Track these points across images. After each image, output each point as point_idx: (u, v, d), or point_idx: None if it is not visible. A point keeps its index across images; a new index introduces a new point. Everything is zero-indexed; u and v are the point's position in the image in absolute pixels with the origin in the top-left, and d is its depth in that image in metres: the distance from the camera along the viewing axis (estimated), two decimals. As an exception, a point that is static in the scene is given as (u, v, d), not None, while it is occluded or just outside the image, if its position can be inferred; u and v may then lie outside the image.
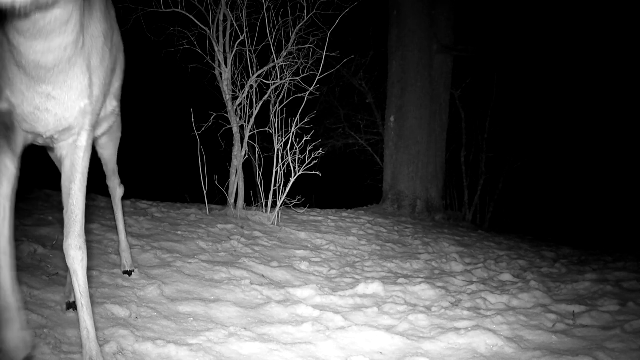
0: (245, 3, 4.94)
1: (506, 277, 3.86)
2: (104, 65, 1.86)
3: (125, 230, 2.80)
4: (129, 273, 2.80)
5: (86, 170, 1.79)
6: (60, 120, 1.67)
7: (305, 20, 4.96)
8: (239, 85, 5.09)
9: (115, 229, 3.63)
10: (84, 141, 1.77)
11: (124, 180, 2.72)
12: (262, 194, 5.11)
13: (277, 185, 4.89)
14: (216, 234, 4.07)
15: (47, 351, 1.85)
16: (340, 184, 10.28)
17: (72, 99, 1.67)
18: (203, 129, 4.91)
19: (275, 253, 3.91)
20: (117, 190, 2.69)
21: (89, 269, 2.13)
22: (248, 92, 4.98)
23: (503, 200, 9.87)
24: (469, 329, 2.49)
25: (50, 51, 1.52)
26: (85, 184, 1.77)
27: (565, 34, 8.51)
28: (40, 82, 1.58)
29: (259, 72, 4.97)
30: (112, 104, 2.26)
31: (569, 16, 8.43)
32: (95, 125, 1.86)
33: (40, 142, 1.79)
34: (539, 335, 2.53)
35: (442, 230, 5.92)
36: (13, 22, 1.43)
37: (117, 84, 2.27)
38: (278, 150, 4.91)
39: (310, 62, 5.10)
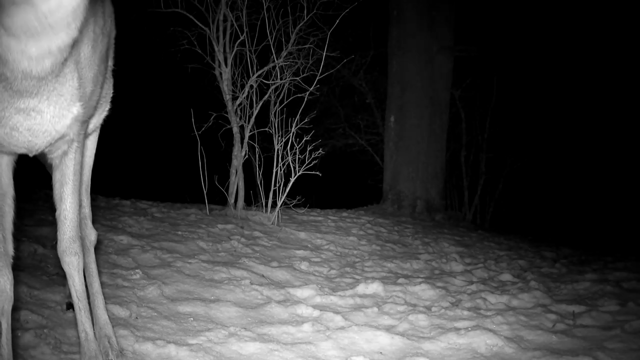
0: (245, 3, 4.94)
1: (506, 277, 3.86)
2: (97, 52, 1.50)
3: (106, 307, 1.98)
4: None
5: (79, 169, 1.58)
6: (51, 133, 1.40)
7: (305, 20, 4.96)
8: (239, 85, 5.09)
9: (114, 228, 3.65)
10: (76, 143, 1.54)
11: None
12: (262, 194, 5.11)
13: (277, 185, 4.89)
14: (216, 234, 4.06)
15: (47, 351, 1.85)
16: (340, 184, 10.28)
17: (63, 106, 1.37)
18: (203, 129, 4.91)
19: (275, 253, 3.91)
20: (87, 231, 1.93)
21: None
22: (248, 92, 4.98)
23: (503, 200, 9.87)
24: (469, 329, 2.49)
25: (50, 54, 1.16)
26: (78, 185, 1.58)
27: (565, 34, 8.51)
28: (24, 96, 1.25)
29: (259, 72, 4.97)
30: (107, 107, 1.94)
31: (569, 15, 8.43)
32: (89, 118, 1.59)
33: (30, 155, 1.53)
34: (539, 335, 2.53)
35: (442, 230, 5.92)
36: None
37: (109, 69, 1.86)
38: (278, 150, 4.91)
39: (310, 62, 5.10)
